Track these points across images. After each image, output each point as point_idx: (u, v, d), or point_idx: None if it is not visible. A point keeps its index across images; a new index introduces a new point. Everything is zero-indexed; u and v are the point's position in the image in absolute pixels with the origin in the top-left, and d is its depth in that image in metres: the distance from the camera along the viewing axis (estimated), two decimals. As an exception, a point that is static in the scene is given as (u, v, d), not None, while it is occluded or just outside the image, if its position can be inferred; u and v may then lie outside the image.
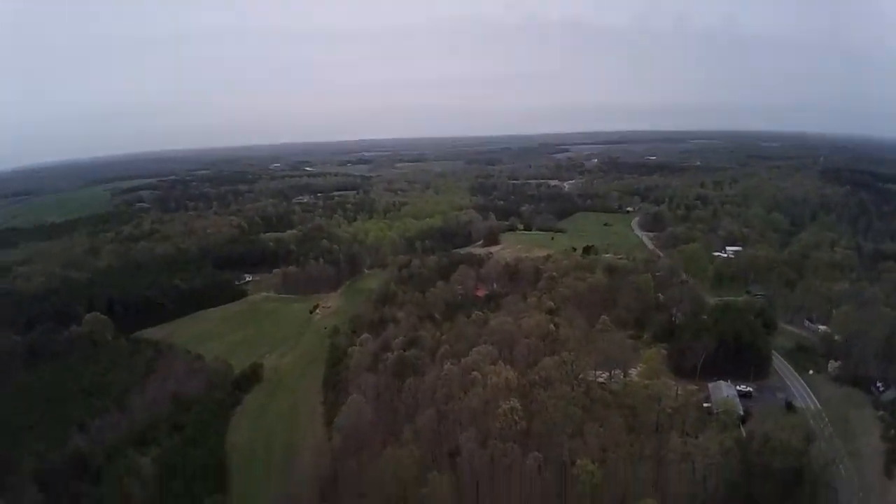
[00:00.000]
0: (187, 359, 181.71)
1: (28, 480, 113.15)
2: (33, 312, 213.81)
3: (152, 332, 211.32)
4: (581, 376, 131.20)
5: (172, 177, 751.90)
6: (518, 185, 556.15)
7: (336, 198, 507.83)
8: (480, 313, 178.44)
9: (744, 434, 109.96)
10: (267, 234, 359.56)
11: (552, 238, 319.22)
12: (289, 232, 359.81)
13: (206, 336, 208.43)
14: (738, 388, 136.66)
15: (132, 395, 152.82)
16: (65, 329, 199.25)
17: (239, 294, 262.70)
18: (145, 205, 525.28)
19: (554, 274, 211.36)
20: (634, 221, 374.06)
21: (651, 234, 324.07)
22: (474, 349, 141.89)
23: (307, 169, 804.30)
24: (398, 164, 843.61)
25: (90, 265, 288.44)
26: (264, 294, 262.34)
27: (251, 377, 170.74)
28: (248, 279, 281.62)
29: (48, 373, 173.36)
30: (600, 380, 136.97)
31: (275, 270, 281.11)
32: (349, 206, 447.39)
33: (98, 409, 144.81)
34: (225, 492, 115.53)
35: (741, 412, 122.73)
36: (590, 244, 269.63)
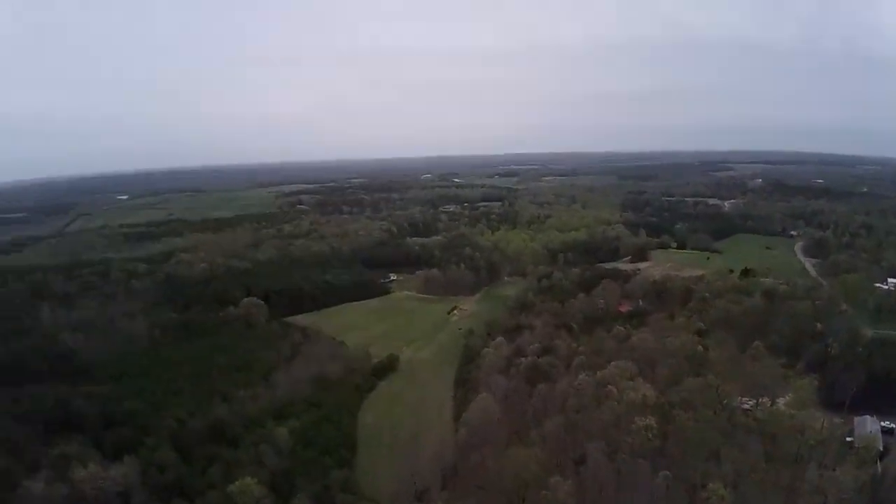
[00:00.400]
0: (331, 345, 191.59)
1: (164, 440, 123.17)
2: (192, 295, 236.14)
3: (301, 319, 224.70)
4: (726, 401, 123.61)
5: (331, 183, 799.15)
6: (673, 202, 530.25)
7: (481, 208, 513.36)
8: (622, 328, 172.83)
9: (879, 471, 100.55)
10: (413, 238, 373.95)
11: (707, 258, 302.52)
12: (434, 238, 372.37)
13: (350, 326, 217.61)
14: (883, 424, 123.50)
15: (277, 373, 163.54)
16: (221, 310, 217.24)
17: (383, 291, 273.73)
18: (305, 207, 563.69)
19: (707, 295, 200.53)
20: (798, 246, 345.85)
21: (814, 261, 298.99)
22: (612, 363, 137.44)
23: (455, 180, 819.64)
24: (545, 178, 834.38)
25: (251, 257, 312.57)
26: (406, 293, 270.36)
27: (387, 367, 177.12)
28: (392, 278, 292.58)
29: (200, 348, 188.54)
30: (746, 406, 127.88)
31: (418, 272, 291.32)
32: (493, 216, 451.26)
33: (243, 383, 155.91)
34: (352, 468, 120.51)
35: (881, 448, 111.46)
36: (749, 267, 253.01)
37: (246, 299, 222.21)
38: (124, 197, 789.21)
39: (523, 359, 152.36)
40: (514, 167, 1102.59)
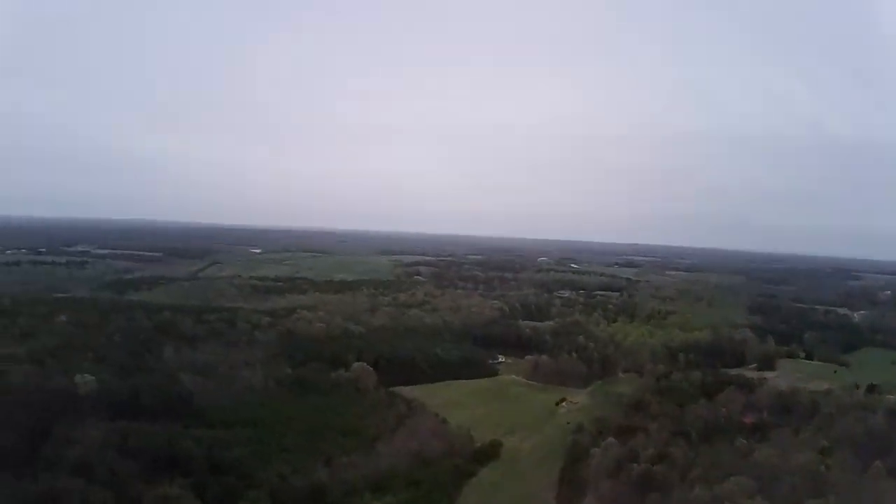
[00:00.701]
0: (434, 421, 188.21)
1: (265, 495, 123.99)
2: (308, 352, 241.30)
3: (408, 391, 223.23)
4: None
5: (450, 257, 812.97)
6: (803, 309, 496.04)
7: (598, 297, 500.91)
8: (745, 441, 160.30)
9: None
10: (525, 321, 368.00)
11: (835, 371, 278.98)
12: (546, 322, 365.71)
13: (454, 404, 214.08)
14: None
15: (380, 443, 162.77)
16: (333, 371, 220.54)
17: (490, 372, 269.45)
18: (421, 278, 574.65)
19: (832, 411, 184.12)
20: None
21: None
22: (731, 478, 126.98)
23: (572, 266, 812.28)
24: (669, 272, 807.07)
25: (366, 321, 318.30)
26: (513, 377, 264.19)
27: (489, 453, 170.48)
28: (500, 360, 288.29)
29: (310, 406, 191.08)
30: None
31: (527, 357, 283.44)
32: (611, 306, 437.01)
33: (347, 449, 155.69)
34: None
35: None
36: (874, 382, 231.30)
37: (357, 364, 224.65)
38: (257, 250, 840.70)
39: (635, 464, 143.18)
40: (636, 258, 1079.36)
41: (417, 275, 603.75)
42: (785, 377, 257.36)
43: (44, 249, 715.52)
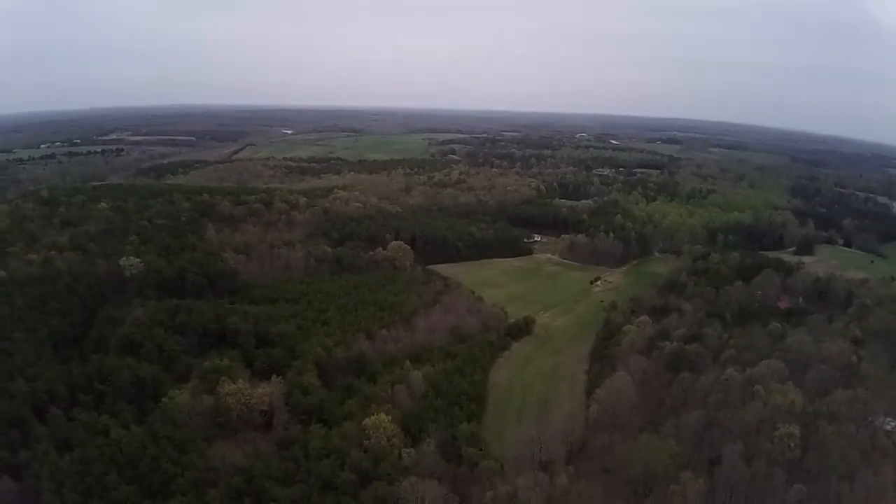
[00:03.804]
0: (469, 298, 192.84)
1: (310, 366, 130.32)
2: (345, 232, 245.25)
3: (443, 268, 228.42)
4: (869, 419, 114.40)
5: (484, 135, 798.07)
6: (845, 194, 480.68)
7: (638, 174, 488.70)
8: (778, 326, 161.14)
9: None
10: (562, 200, 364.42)
11: (871, 262, 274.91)
12: (583, 202, 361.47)
13: (489, 282, 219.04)
14: None
15: (417, 318, 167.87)
16: (370, 249, 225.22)
17: (525, 251, 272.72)
18: (456, 157, 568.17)
19: (868, 301, 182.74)
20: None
21: None
22: (763, 362, 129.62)
23: (612, 142, 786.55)
24: (711, 149, 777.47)
25: (401, 201, 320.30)
26: (549, 256, 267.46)
27: (522, 328, 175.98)
28: (536, 239, 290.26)
29: (349, 283, 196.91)
30: (888, 427, 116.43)
31: (563, 236, 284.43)
32: (650, 185, 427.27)
33: (386, 323, 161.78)
34: (479, 422, 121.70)
35: None
36: None
37: (394, 242, 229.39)
38: (289, 132, 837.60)
39: (667, 343, 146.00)
40: (679, 133, 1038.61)
41: (452, 153, 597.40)
42: (822, 263, 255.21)
43: (78, 140, 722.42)
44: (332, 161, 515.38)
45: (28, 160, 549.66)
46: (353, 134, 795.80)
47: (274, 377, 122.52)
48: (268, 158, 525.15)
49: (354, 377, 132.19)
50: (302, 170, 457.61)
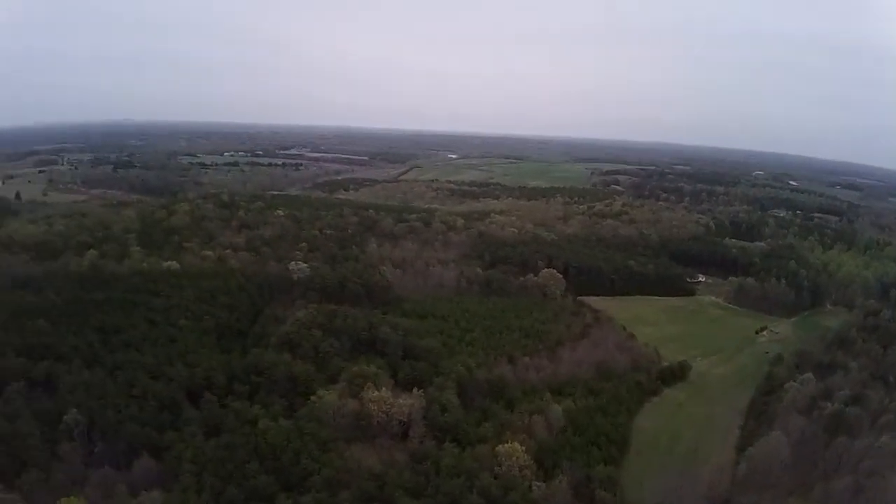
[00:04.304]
0: (621, 335, 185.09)
1: (451, 383, 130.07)
2: (498, 255, 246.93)
3: (595, 301, 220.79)
4: None
5: (652, 167, 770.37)
6: None
7: (815, 219, 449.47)
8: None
9: None
10: (732, 240, 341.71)
11: None
12: (756, 243, 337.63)
13: (643, 320, 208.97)
14: None
15: (563, 349, 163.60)
16: (521, 275, 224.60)
17: (686, 291, 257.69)
18: (619, 188, 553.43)
19: None
20: None
21: None
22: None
23: (791, 183, 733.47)
24: (892, 199, 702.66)
25: (558, 229, 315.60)
26: (712, 298, 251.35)
27: (676, 373, 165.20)
28: (700, 279, 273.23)
29: (497, 307, 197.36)
30: None
31: (730, 278, 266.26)
32: (828, 231, 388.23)
33: (530, 351, 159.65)
34: (617, 466, 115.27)
35: None
36: None
37: (546, 270, 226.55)
38: (454, 156, 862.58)
39: (829, 404, 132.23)
40: (859, 180, 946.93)
41: (615, 184, 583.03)
42: None
43: (261, 152, 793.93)
44: (492, 186, 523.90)
45: (211, 165, 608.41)
46: (515, 161, 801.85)
47: (415, 390, 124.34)
48: (432, 180, 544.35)
49: (493, 401, 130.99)
50: (462, 193, 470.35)
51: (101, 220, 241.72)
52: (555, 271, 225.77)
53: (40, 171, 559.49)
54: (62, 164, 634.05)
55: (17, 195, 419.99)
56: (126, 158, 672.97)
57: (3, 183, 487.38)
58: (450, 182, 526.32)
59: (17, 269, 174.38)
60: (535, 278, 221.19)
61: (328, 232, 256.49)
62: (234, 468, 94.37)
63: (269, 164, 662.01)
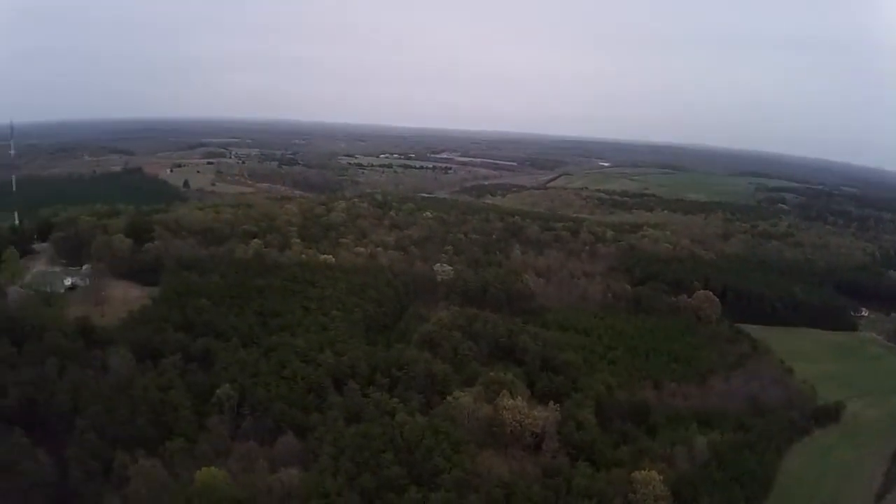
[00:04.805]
0: (777, 368, 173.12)
1: (590, 401, 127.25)
2: (650, 272, 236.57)
3: (753, 329, 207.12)
4: None
5: (820, 186, 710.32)
6: None
7: None
8: None
9: None
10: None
11: None
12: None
13: (802, 355, 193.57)
14: None
15: (715, 378, 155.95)
16: (674, 295, 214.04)
17: (847, 325, 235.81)
18: (785, 207, 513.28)
19: None
20: None
21: None
22: None
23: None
24: None
25: (716, 248, 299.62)
26: (874, 335, 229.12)
27: (829, 414, 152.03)
28: (863, 314, 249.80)
29: (645, 326, 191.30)
30: None
31: (893, 314, 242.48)
32: None
33: (677, 376, 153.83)
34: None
35: None
36: None
37: (701, 291, 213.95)
38: (606, 164, 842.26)
39: None
40: None
41: (782, 202, 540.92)
42: None
43: (413, 155, 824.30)
44: (646, 197, 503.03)
45: (367, 166, 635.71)
46: (671, 171, 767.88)
47: (551, 403, 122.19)
48: (581, 188, 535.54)
49: (633, 425, 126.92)
50: (613, 203, 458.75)
51: (266, 212, 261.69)
52: (711, 293, 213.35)
53: (208, 163, 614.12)
54: (229, 157, 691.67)
55: (186, 183, 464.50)
56: (290, 156, 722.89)
57: (171, 171, 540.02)
58: (600, 191, 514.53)
59: (183, 251, 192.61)
60: (689, 299, 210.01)
61: (473, 236, 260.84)
62: (369, 456, 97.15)
63: (421, 167, 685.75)
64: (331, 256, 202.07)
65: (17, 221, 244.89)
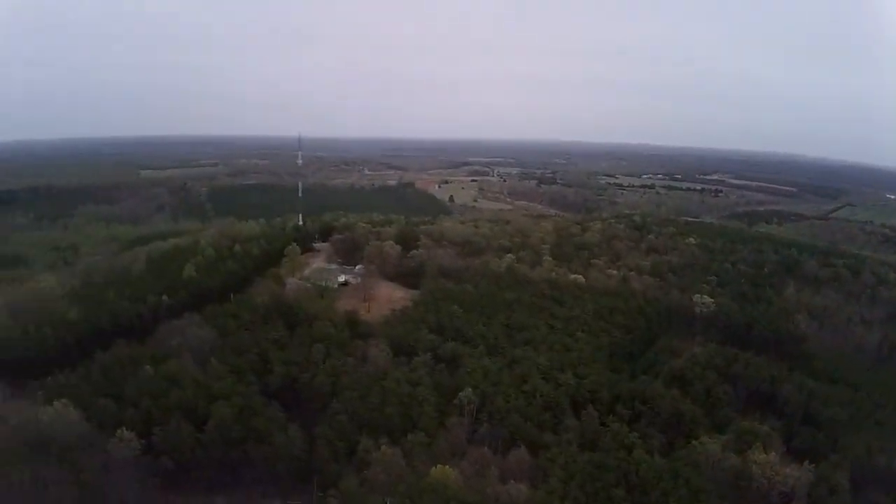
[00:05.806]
0: None
1: (846, 463, 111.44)
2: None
3: None
4: None
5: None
6: None
7: None
8: None
9: None
10: None
11: None
12: None
13: None
14: None
15: None
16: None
17: None
18: None
19: None
20: None
21: None
22: None
23: None
24: None
25: None
26: None
27: None
28: None
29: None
30: None
31: None
32: None
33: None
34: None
35: None
36: None
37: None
38: (893, 196, 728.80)
39: None
40: None
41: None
42: None
43: (679, 176, 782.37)
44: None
45: (627, 186, 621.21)
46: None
47: (806, 462, 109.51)
48: (866, 222, 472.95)
49: (886, 495, 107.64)
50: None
51: (522, 228, 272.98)
52: None
53: (472, 180, 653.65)
54: (492, 176, 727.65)
55: (451, 198, 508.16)
56: (550, 175, 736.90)
57: (439, 187, 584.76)
58: (885, 226, 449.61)
59: (443, 260, 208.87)
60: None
61: (741, 267, 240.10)
62: (600, 487, 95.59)
63: (687, 189, 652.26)
64: (581, 276, 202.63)
65: (300, 222, 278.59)
